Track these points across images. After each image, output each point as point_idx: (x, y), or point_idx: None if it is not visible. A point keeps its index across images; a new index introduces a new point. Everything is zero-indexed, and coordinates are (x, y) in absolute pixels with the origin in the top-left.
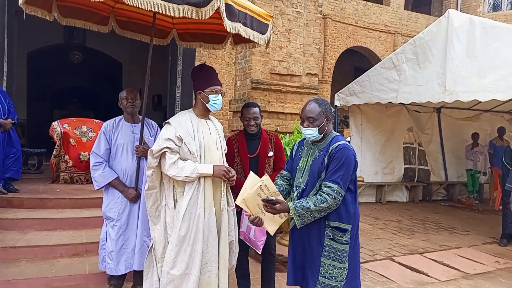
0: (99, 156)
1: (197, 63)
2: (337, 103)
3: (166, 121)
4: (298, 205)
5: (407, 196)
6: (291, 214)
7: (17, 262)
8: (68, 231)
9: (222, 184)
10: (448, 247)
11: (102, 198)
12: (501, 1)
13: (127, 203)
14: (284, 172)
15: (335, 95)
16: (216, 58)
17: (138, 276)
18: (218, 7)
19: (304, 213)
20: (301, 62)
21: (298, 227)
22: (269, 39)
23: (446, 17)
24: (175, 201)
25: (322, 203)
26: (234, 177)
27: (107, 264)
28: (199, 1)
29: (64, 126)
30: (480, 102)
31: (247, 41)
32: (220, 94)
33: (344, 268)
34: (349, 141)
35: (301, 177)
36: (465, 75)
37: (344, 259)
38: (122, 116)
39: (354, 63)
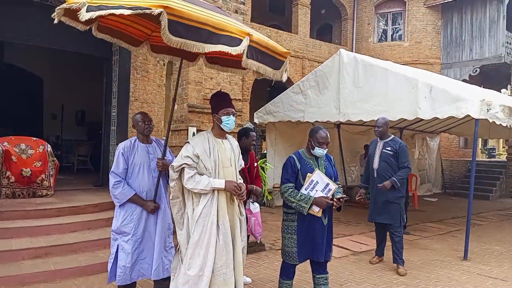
0: (118, 176)
1: (131, 85)
2: (256, 120)
3: (187, 140)
4: (340, 192)
5: None
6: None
7: None
8: (24, 238)
9: (235, 197)
10: (344, 235)
11: (50, 209)
12: (386, 34)
13: (142, 218)
14: (291, 184)
15: (255, 113)
16: (148, 80)
17: (158, 285)
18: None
19: None
20: (228, 90)
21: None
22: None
23: (338, 55)
24: (193, 209)
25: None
26: (244, 193)
27: (117, 275)
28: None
29: (4, 144)
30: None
31: (219, 62)
32: (232, 115)
33: None
34: (265, 154)
35: None
36: (353, 101)
37: None
38: (136, 137)
39: (269, 83)
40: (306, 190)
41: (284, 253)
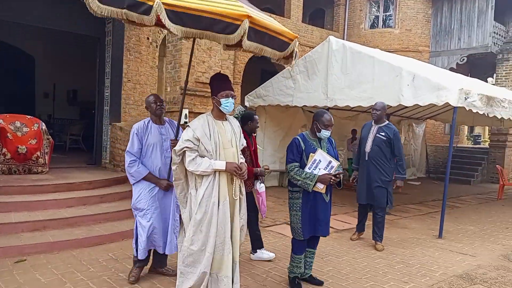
0: (133, 155)
1: (124, 66)
2: (246, 103)
3: (187, 124)
4: (340, 169)
5: None
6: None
7: None
8: (22, 212)
9: (235, 177)
10: None
11: (47, 185)
12: (378, 21)
13: (155, 195)
14: (297, 163)
15: (245, 97)
16: (141, 62)
17: (157, 258)
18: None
19: None
20: None
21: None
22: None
23: (327, 42)
24: (196, 190)
25: None
26: (245, 173)
27: (139, 251)
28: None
29: None
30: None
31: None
32: (230, 98)
33: None
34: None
35: None
36: (341, 87)
37: None
38: (149, 119)
39: (262, 66)
40: (309, 169)
41: (291, 229)
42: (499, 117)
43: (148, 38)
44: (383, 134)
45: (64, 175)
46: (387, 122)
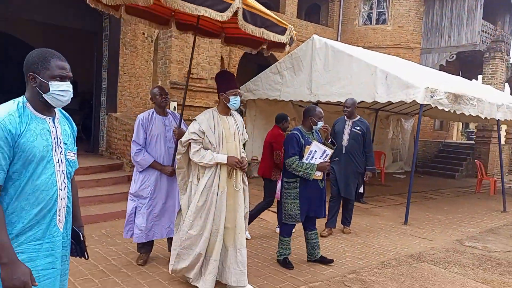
0: (139, 144)
1: (120, 60)
2: None
3: (194, 118)
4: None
5: None
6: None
7: None
8: None
9: (234, 170)
10: None
11: None
12: (372, 17)
13: (158, 182)
14: (297, 156)
15: None
16: (137, 56)
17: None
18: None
19: None
20: (207, 69)
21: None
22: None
23: (311, 40)
24: (198, 179)
25: None
26: (246, 166)
27: (135, 234)
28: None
29: None
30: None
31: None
32: (238, 96)
33: None
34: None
35: None
36: (323, 83)
37: None
38: (153, 110)
39: (258, 61)
40: (307, 159)
41: (286, 216)
42: (466, 114)
43: (143, 33)
44: (358, 128)
45: None
46: (359, 117)
